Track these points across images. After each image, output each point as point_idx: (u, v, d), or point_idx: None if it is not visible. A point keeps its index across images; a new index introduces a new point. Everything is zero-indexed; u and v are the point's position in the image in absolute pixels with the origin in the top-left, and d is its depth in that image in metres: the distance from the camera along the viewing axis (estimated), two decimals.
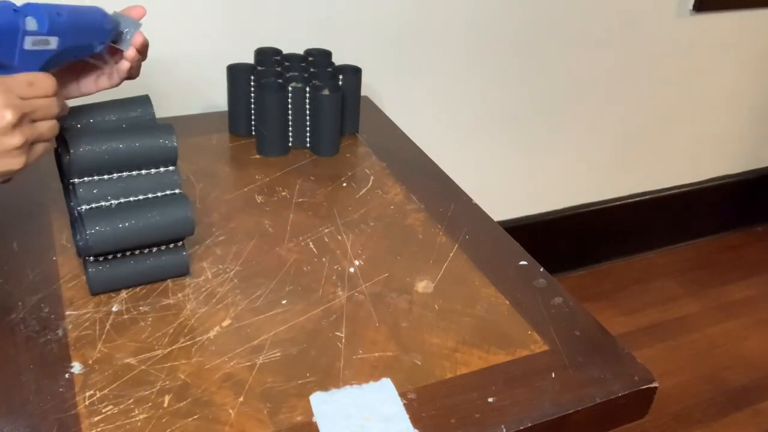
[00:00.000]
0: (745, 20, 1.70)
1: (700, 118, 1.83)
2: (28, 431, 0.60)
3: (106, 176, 0.72)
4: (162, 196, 0.75)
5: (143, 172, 0.74)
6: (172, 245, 0.77)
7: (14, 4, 0.58)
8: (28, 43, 0.58)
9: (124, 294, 0.76)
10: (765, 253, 2.04)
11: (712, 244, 2.05)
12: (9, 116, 0.59)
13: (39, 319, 0.72)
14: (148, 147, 0.73)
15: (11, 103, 0.60)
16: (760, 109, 1.91)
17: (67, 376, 0.66)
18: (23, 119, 0.61)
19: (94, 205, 0.72)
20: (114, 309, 0.74)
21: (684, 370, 1.60)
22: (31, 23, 0.59)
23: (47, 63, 0.62)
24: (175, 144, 0.74)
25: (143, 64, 0.87)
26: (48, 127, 0.65)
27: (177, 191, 0.76)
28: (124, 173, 0.73)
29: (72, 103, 0.79)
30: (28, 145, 0.63)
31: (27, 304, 0.74)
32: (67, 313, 0.73)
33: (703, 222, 2.04)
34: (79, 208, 0.72)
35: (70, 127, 0.74)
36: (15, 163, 0.62)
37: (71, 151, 0.69)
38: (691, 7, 1.60)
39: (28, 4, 0.60)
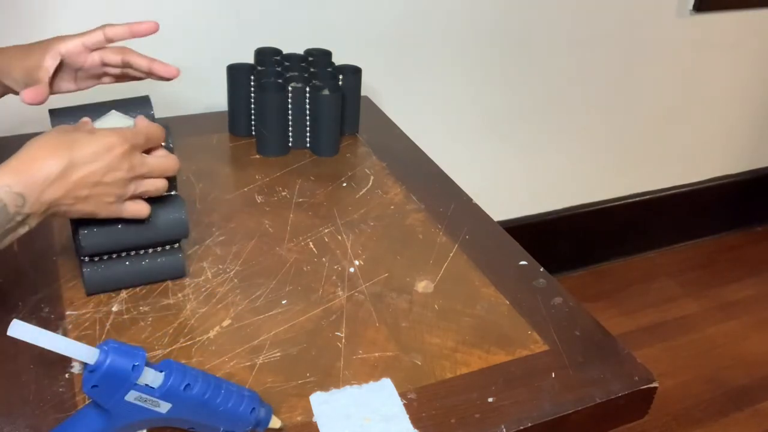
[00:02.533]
0: (745, 20, 1.70)
1: (700, 118, 1.83)
2: (28, 431, 0.60)
3: None
4: (157, 197, 0.75)
5: None
6: (168, 247, 0.77)
7: (143, 355, 0.52)
8: (131, 396, 0.52)
9: (124, 294, 0.76)
10: (765, 253, 2.04)
11: (712, 244, 2.05)
12: (119, 143, 0.65)
13: (39, 319, 0.72)
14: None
15: (131, 161, 0.66)
16: (760, 109, 1.91)
17: (67, 376, 0.66)
18: (133, 149, 0.66)
19: None
20: (114, 309, 0.74)
21: (684, 370, 1.60)
22: (147, 377, 0.52)
23: (148, 422, 0.55)
24: (171, 146, 0.74)
25: None
26: (155, 188, 0.70)
27: (172, 193, 0.76)
28: None
29: (73, 102, 0.79)
30: (126, 198, 0.68)
31: (27, 304, 0.74)
32: (67, 313, 0.73)
33: (703, 222, 2.04)
34: None
35: None
36: (108, 210, 0.67)
37: None
38: (691, 7, 1.60)
39: (169, 362, 0.55)
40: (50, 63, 0.78)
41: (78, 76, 0.83)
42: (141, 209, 0.70)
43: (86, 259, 0.74)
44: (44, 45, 0.79)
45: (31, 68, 0.77)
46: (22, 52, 0.79)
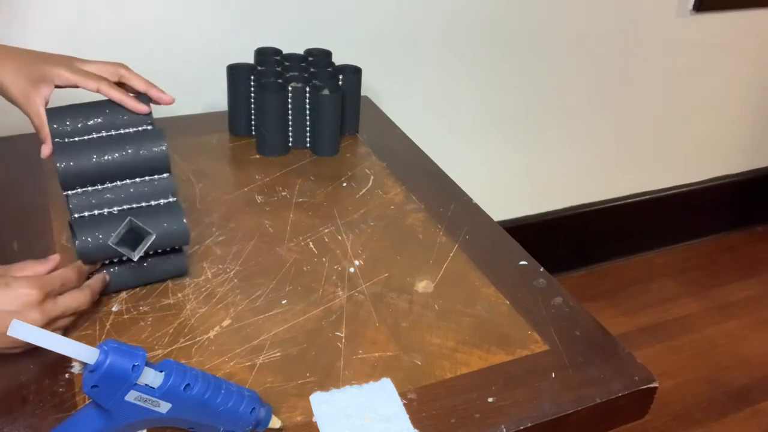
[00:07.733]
0: (745, 20, 1.70)
1: (700, 118, 1.83)
2: (28, 431, 0.60)
3: (99, 186, 0.72)
4: (155, 205, 0.74)
5: (137, 180, 0.73)
6: (169, 249, 0.77)
7: (143, 355, 0.52)
8: (131, 396, 0.51)
9: (124, 294, 0.76)
10: (765, 253, 2.04)
11: (712, 244, 2.05)
12: (34, 294, 0.64)
13: None
14: (139, 156, 0.72)
15: (44, 308, 0.64)
16: (760, 109, 1.91)
17: (67, 376, 0.66)
18: (47, 296, 0.65)
19: (86, 214, 0.72)
20: (114, 309, 0.74)
21: (684, 370, 1.60)
22: (147, 377, 0.52)
23: (148, 422, 0.55)
24: (165, 151, 0.73)
25: (144, 64, 0.87)
26: (72, 299, 0.68)
27: (171, 199, 0.75)
28: (117, 182, 0.73)
29: (73, 99, 0.79)
30: (50, 321, 0.65)
31: None
32: None
33: (703, 222, 2.04)
34: (71, 217, 0.71)
35: (60, 134, 0.72)
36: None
37: (58, 166, 0.69)
38: (691, 7, 1.60)
39: (168, 362, 0.55)
40: (41, 102, 0.75)
41: None
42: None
43: None
44: (41, 72, 0.75)
45: (27, 93, 0.74)
46: (20, 70, 0.75)
